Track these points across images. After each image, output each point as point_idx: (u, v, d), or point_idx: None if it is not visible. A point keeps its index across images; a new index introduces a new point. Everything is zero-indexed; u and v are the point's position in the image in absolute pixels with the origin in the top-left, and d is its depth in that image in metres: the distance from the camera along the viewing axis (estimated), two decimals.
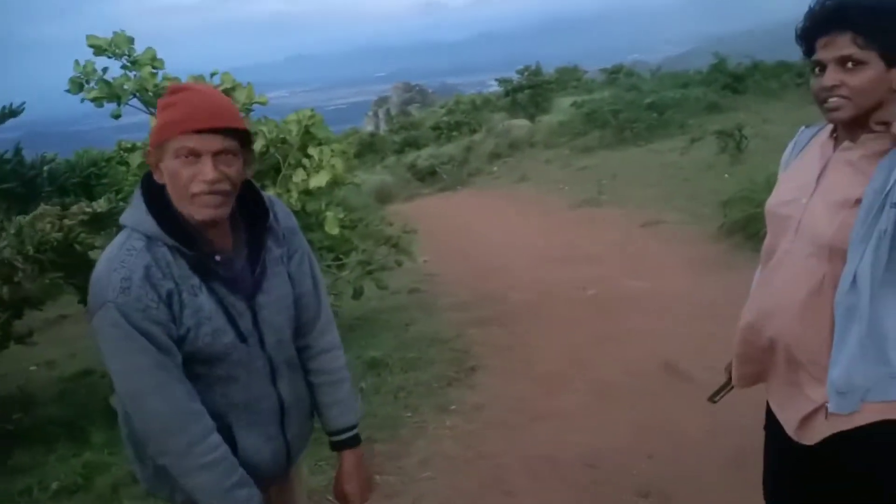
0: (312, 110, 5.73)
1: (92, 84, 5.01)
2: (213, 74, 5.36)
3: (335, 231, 5.48)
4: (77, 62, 5.11)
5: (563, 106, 21.68)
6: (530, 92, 23.00)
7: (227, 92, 5.39)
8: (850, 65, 1.61)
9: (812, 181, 1.75)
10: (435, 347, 5.46)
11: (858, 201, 1.61)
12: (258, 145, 5.44)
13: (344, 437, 1.90)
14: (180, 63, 5.46)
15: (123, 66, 5.14)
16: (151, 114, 4.88)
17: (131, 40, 5.16)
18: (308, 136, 5.58)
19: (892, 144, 1.59)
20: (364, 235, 6.45)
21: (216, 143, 1.52)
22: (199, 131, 1.51)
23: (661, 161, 12.74)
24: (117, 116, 4.99)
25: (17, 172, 4.64)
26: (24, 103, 5.00)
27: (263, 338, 1.67)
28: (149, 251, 1.54)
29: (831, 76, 1.63)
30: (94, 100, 4.91)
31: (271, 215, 1.71)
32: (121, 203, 4.40)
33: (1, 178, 4.62)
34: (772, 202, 1.87)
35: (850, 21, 1.61)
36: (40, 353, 6.39)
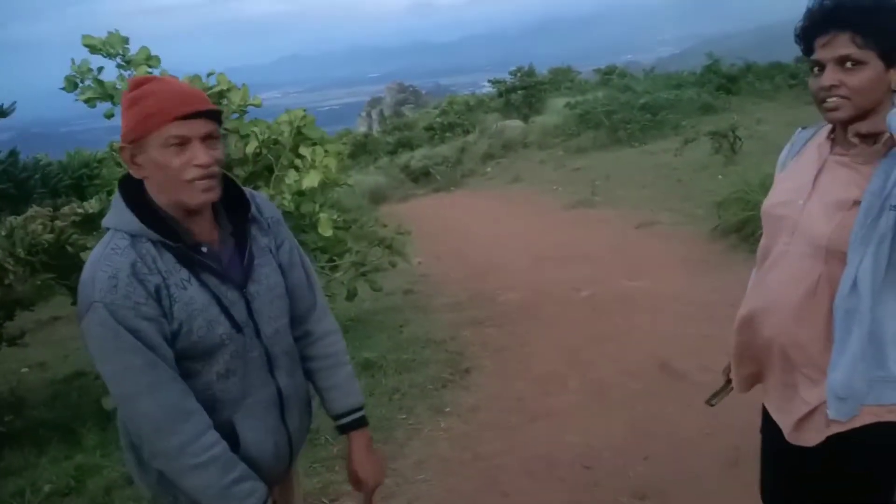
0: (304, 111, 5.72)
1: (87, 82, 4.98)
2: (209, 75, 5.34)
3: (329, 232, 5.47)
4: (73, 61, 5.09)
5: (556, 107, 21.68)
6: (524, 93, 23.04)
7: (223, 93, 5.38)
8: (849, 64, 1.61)
9: (809, 182, 1.75)
10: (429, 348, 5.44)
11: (856, 202, 1.61)
12: (251, 146, 5.42)
13: (351, 418, 1.89)
14: (171, 63, 5.44)
15: (118, 66, 5.12)
16: None
17: (126, 40, 5.14)
18: (300, 136, 5.57)
19: (886, 148, 1.59)
20: (358, 236, 6.44)
21: (203, 127, 1.54)
22: (185, 117, 1.51)
23: (654, 162, 12.76)
24: (110, 116, 4.97)
25: (10, 174, 4.60)
26: (14, 104, 4.97)
27: (259, 327, 1.67)
28: (133, 248, 1.53)
29: (830, 76, 1.63)
30: (87, 100, 4.89)
31: (253, 206, 1.72)
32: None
33: None
34: (768, 203, 1.87)
35: (849, 21, 1.61)
36: (32, 354, 6.35)
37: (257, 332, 1.66)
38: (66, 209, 4.19)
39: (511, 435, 3.98)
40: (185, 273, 1.56)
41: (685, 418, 3.83)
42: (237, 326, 1.61)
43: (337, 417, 1.89)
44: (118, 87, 4.99)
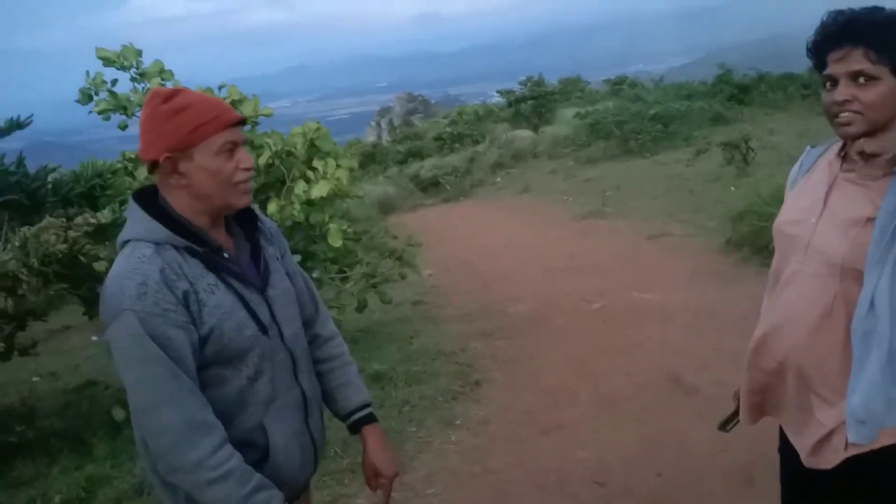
0: (318, 123, 5.74)
1: (102, 95, 5.03)
2: (220, 87, 5.37)
3: (339, 243, 5.47)
4: (87, 74, 5.13)
5: (566, 117, 21.68)
6: (533, 103, 23.06)
7: (235, 104, 5.41)
8: (862, 80, 1.60)
9: (820, 200, 1.73)
10: (439, 360, 5.43)
11: (870, 219, 1.59)
12: (263, 158, 5.44)
13: (364, 412, 1.94)
14: (181, 73, 5.49)
15: (132, 79, 5.16)
16: None
17: (139, 53, 5.18)
18: (314, 148, 5.59)
19: (890, 166, 1.58)
20: (368, 247, 6.44)
21: (241, 133, 1.65)
22: (235, 124, 1.61)
23: (666, 173, 12.72)
24: (124, 127, 5.00)
25: (22, 184, 4.63)
26: (31, 116, 5.01)
27: (282, 329, 1.71)
28: (159, 256, 1.54)
29: (843, 91, 1.62)
30: (101, 112, 4.92)
31: (259, 217, 1.78)
32: (125, 214, 4.39)
33: (5, 190, 4.60)
34: (780, 222, 1.85)
35: (862, 36, 1.60)
36: (43, 363, 6.37)
37: (281, 335, 1.70)
38: (79, 219, 4.20)
39: (521, 448, 3.96)
40: (211, 277, 1.59)
41: (698, 433, 3.79)
42: (263, 328, 1.64)
43: (350, 414, 1.93)
44: (132, 99, 5.02)
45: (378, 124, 48.79)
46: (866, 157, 1.65)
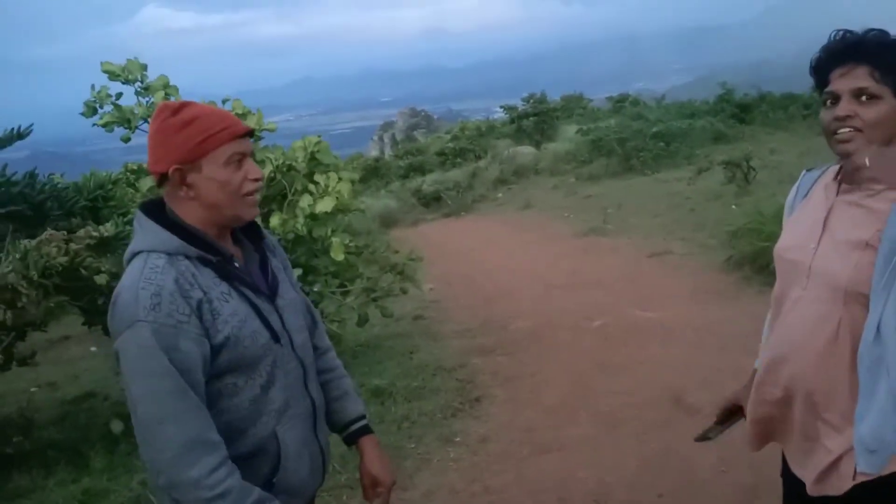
0: (319, 137, 5.76)
1: (107, 108, 5.05)
2: (225, 101, 5.39)
3: (341, 257, 5.48)
4: (93, 87, 5.16)
5: (568, 133, 21.77)
6: (535, 119, 23.14)
7: (240, 118, 5.43)
8: (864, 98, 1.60)
9: (819, 225, 1.72)
10: (439, 376, 5.41)
11: (870, 242, 1.59)
12: (265, 171, 5.46)
13: (360, 424, 1.95)
14: (187, 85, 5.51)
15: (137, 92, 5.19)
16: None
17: (144, 67, 5.21)
18: (314, 162, 5.60)
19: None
20: (369, 261, 6.44)
21: (250, 145, 1.66)
22: (243, 136, 1.62)
23: (667, 190, 12.74)
24: (127, 140, 5.02)
25: (26, 195, 4.63)
26: (31, 126, 5.01)
27: (292, 338, 1.72)
28: (173, 266, 1.54)
29: (845, 107, 1.62)
30: (105, 125, 4.94)
31: (262, 230, 1.81)
32: (127, 227, 4.39)
33: (8, 201, 4.60)
34: (780, 248, 1.84)
35: (868, 55, 1.61)
36: (42, 373, 6.36)
37: (291, 343, 1.71)
38: (81, 232, 4.20)
39: (521, 467, 3.93)
40: (224, 286, 1.59)
41: (699, 454, 3.76)
42: (275, 336, 1.65)
43: (348, 425, 1.94)
44: (136, 112, 5.04)
45: (381, 139, 48.92)
46: (858, 174, 1.65)
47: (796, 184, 1.92)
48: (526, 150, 21.02)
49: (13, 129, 4.86)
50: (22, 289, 3.73)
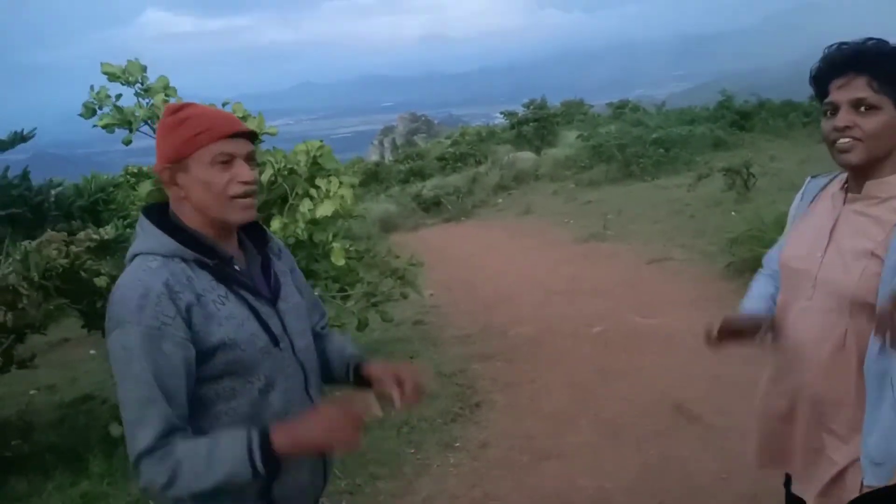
0: (321, 141, 5.74)
1: (106, 110, 5.03)
2: (224, 104, 5.37)
3: (341, 262, 5.46)
4: (92, 88, 5.14)
5: (568, 139, 21.79)
6: (536, 125, 23.16)
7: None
8: (863, 108, 1.61)
9: (825, 234, 1.72)
10: (439, 382, 5.40)
11: (875, 252, 1.58)
12: (266, 175, 5.44)
13: (363, 358, 1.90)
14: (188, 90, 5.50)
15: (137, 94, 5.17)
16: None
17: (144, 68, 5.20)
18: (316, 166, 5.59)
19: None
20: (369, 266, 6.42)
21: (245, 146, 1.61)
22: (232, 136, 1.58)
23: (667, 197, 12.74)
24: (128, 143, 5.00)
25: (25, 197, 4.62)
26: (34, 129, 5.01)
27: (293, 342, 1.69)
28: (166, 268, 1.54)
29: (844, 117, 1.62)
30: (105, 126, 4.93)
31: (268, 233, 1.79)
32: (127, 230, 4.39)
33: (8, 203, 4.60)
34: (785, 256, 1.84)
35: (866, 65, 1.61)
36: (41, 376, 6.34)
37: (292, 348, 1.69)
38: (81, 235, 4.19)
39: (521, 474, 3.92)
40: (222, 289, 1.58)
41: (700, 462, 3.76)
42: (275, 340, 1.63)
43: (354, 360, 1.88)
44: (137, 114, 5.03)
45: (381, 143, 48.95)
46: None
47: (801, 190, 1.92)
48: (526, 156, 21.04)
49: (16, 132, 4.87)
50: (22, 290, 3.72)
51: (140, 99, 5.19)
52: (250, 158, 1.61)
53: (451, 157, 23.78)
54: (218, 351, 1.54)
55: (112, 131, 5.12)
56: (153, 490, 1.53)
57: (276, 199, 5.58)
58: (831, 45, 1.70)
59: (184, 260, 1.56)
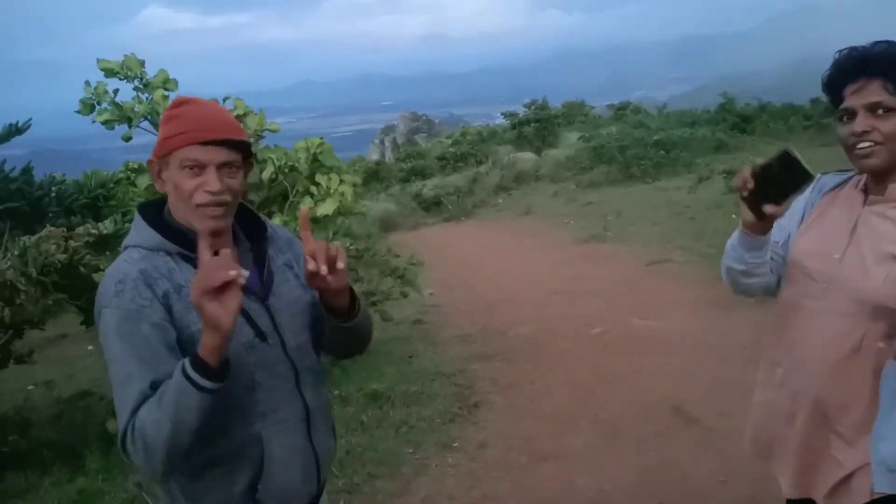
0: (321, 139, 5.73)
1: (104, 105, 5.01)
2: (225, 99, 5.36)
3: None
4: (88, 83, 5.11)
5: (569, 140, 21.80)
6: (537, 125, 23.16)
7: (239, 118, 5.40)
8: (880, 111, 1.59)
9: (844, 236, 1.69)
10: (438, 381, 5.39)
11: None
12: (267, 172, 5.43)
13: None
14: (187, 87, 5.47)
15: (135, 89, 5.15)
16: None
17: (142, 63, 5.17)
18: (316, 164, 5.57)
19: None
20: (369, 265, 6.41)
21: (220, 155, 1.56)
22: (204, 143, 1.54)
23: (667, 199, 12.74)
24: (128, 139, 4.98)
25: (24, 192, 4.60)
26: (30, 121, 4.99)
27: (284, 339, 1.66)
28: (146, 260, 1.56)
29: (862, 122, 1.60)
30: (104, 122, 4.91)
31: (269, 228, 1.76)
32: (126, 225, 4.37)
33: (7, 198, 4.58)
34: (797, 255, 1.79)
35: (879, 69, 1.60)
36: (39, 372, 6.32)
37: (283, 345, 1.66)
38: (80, 229, 4.17)
39: (520, 475, 3.91)
40: None
41: (699, 464, 3.75)
42: (262, 335, 1.61)
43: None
44: (136, 109, 5.00)
45: (382, 142, 48.94)
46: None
47: (811, 185, 1.89)
48: (527, 157, 21.05)
49: (11, 124, 4.84)
50: (20, 286, 3.71)
51: (139, 94, 5.17)
52: (228, 166, 1.57)
53: (451, 156, 23.78)
54: (197, 342, 1.50)
55: (112, 127, 5.10)
56: (146, 471, 1.52)
57: (277, 196, 5.57)
58: (841, 51, 1.68)
59: (168, 253, 1.57)
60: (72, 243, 4.14)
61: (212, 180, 1.54)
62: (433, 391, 5.18)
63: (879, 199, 1.67)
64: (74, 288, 4.29)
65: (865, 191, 1.72)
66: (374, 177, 23.46)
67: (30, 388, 6.19)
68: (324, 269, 1.51)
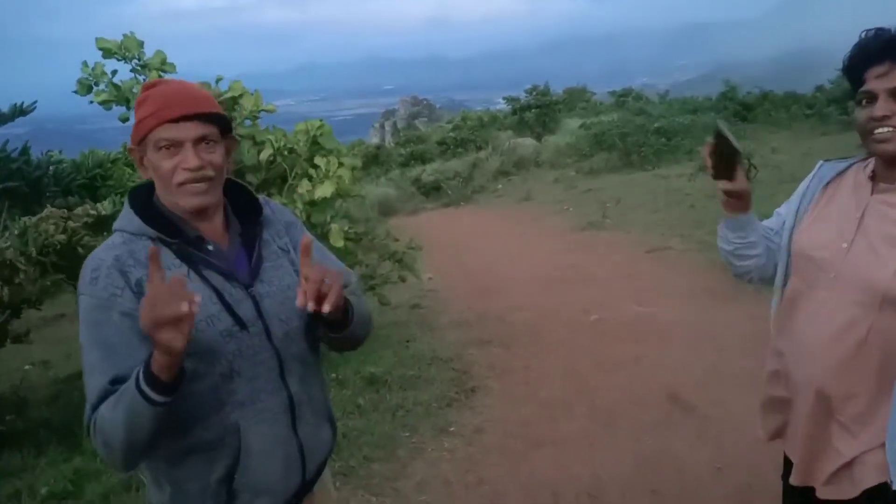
0: (321, 121, 5.71)
1: (102, 86, 4.98)
2: (218, 80, 5.32)
3: (340, 244, 5.43)
4: (85, 64, 5.08)
5: (570, 127, 21.71)
6: (538, 111, 23.06)
7: (235, 99, 5.37)
8: None
9: (852, 225, 1.67)
10: (435, 366, 5.39)
11: None
12: (265, 154, 5.41)
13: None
14: (188, 68, 5.44)
15: (133, 70, 5.11)
16: None
17: (141, 44, 5.14)
18: (316, 146, 5.55)
19: None
20: (367, 249, 6.40)
21: (194, 129, 1.55)
22: (175, 120, 1.53)
23: (667, 187, 12.71)
24: (125, 120, 4.96)
25: (23, 172, 4.59)
26: (35, 102, 4.97)
27: (269, 328, 1.62)
28: (126, 245, 1.55)
29: (883, 106, 1.57)
30: (102, 103, 4.88)
31: (267, 210, 1.74)
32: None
33: (6, 177, 4.57)
34: (803, 245, 1.77)
35: None
36: (36, 352, 6.33)
37: (267, 334, 1.62)
38: (79, 210, 4.17)
39: (516, 460, 3.92)
40: (184, 268, 1.56)
41: (694, 452, 3.76)
42: (241, 324, 1.58)
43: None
44: (134, 90, 4.98)
45: (382, 126, 48.83)
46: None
47: (812, 173, 1.87)
48: (527, 143, 20.97)
49: (16, 104, 4.83)
50: (20, 265, 3.70)
51: (137, 75, 5.14)
52: (205, 141, 1.55)
53: (451, 141, 23.68)
54: None
55: (109, 108, 5.07)
56: (108, 463, 1.53)
57: (276, 178, 5.55)
58: (868, 31, 1.65)
59: (150, 238, 1.56)
60: (71, 224, 4.14)
61: (189, 157, 1.53)
62: (430, 376, 5.18)
63: (890, 188, 1.65)
64: (73, 268, 4.28)
65: (873, 178, 1.70)
66: (373, 161, 23.38)
67: (27, 367, 6.21)
68: (311, 306, 1.49)
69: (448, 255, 9.66)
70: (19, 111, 4.84)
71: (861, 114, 1.63)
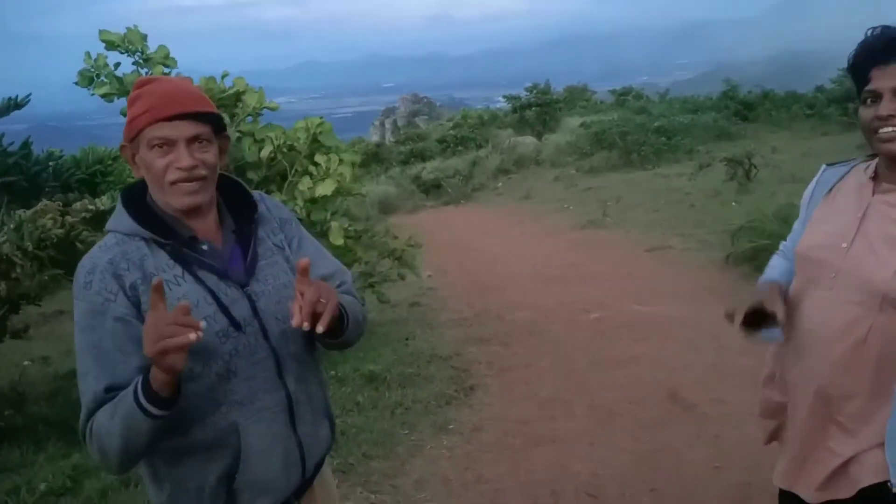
0: (321, 118, 5.70)
1: (102, 78, 4.97)
2: (224, 76, 5.32)
3: (340, 241, 5.43)
4: (88, 55, 5.06)
5: (570, 125, 21.72)
6: (538, 110, 23.07)
7: (238, 95, 5.36)
8: None
9: (852, 225, 1.66)
10: (434, 364, 5.38)
11: None
12: (266, 151, 5.40)
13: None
14: (190, 65, 5.43)
15: (135, 63, 5.10)
16: None
17: (144, 37, 5.13)
18: (316, 144, 5.55)
19: None
20: (367, 247, 6.39)
21: (188, 129, 1.53)
22: (169, 119, 1.51)
23: (667, 186, 12.72)
24: (125, 113, 4.95)
25: (22, 166, 4.58)
26: (29, 95, 4.95)
27: (265, 327, 1.61)
28: (119, 246, 1.54)
29: (888, 105, 1.56)
30: (103, 95, 4.87)
31: (262, 207, 1.72)
32: None
33: (5, 172, 4.56)
34: (805, 245, 1.76)
35: None
36: (35, 348, 6.33)
37: (264, 333, 1.61)
38: (77, 205, 4.16)
39: (515, 458, 3.91)
40: (178, 269, 1.54)
41: (693, 450, 3.75)
42: (237, 324, 1.56)
43: None
44: None
45: (382, 124, 48.83)
46: None
47: (815, 178, 1.86)
48: (527, 141, 20.98)
49: (10, 98, 4.81)
50: (17, 260, 3.69)
51: (139, 69, 5.13)
52: (199, 140, 1.54)
53: (452, 139, 23.69)
54: None
55: (111, 100, 5.07)
56: (104, 467, 1.53)
57: (276, 175, 5.55)
58: (874, 28, 1.63)
59: (143, 239, 1.54)
60: (68, 219, 4.13)
61: (182, 156, 1.52)
62: (429, 373, 5.18)
63: (893, 188, 1.64)
64: (71, 264, 4.27)
65: (875, 178, 1.69)
66: (373, 159, 23.39)
67: (26, 363, 6.20)
68: (306, 326, 1.47)
69: (448, 253, 9.66)
70: (14, 105, 4.82)
71: (866, 112, 1.61)
